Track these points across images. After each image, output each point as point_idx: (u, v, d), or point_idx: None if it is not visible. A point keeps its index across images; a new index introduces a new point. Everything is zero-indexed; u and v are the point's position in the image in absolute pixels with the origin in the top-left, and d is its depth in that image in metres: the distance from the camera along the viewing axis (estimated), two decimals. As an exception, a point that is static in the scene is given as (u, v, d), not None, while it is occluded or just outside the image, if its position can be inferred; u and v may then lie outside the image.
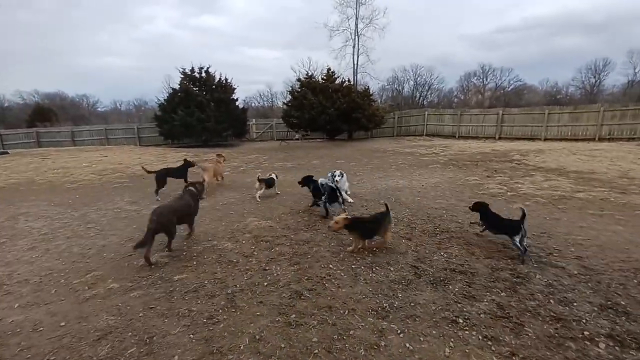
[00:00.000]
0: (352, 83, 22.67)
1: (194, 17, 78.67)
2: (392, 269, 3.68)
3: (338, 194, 5.72)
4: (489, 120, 20.91)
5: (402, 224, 5.22)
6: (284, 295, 3.17)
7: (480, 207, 4.47)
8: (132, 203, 7.08)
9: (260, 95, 50.57)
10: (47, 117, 42.45)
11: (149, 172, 7.63)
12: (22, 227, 5.55)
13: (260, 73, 77.46)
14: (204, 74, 21.04)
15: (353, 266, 3.76)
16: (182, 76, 20.87)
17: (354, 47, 24.96)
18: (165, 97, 21.43)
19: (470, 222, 5.19)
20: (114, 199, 7.52)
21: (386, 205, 4.31)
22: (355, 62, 25.26)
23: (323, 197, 5.78)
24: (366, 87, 22.21)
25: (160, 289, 3.37)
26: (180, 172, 7.92)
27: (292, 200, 6.86)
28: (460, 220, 5.34)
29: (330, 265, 3.78)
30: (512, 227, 3.96)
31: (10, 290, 3.43)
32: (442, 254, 4.09)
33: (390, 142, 20.38)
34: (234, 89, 21.98)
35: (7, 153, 16.44)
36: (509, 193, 7.05)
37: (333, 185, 5.87)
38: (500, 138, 20.10)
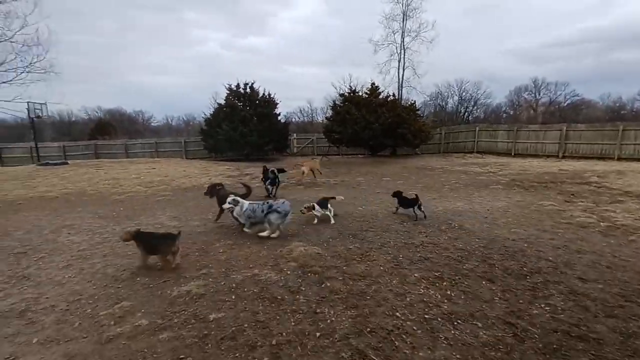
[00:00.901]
0: (396, 97, 21.88)
1: (241, 38, 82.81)
2: (479, 324, 2.84)
3: (278, 181, 9.04)
4: (550, 137, 18.98)
5: (476, 259, 4.31)
6: (343, 356, 2.46)
7: (398, 194, 6.72)
8: (173, 218, 6.81)
9: (300, 110, 51.07)
10: (106, 131, 46.13)
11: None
12: (64, 241, 5.40)
13: (301, 89, 79.09)
14: (248, 90, 21.42)
15: (426, 316, 2.97)
16: (228, 92, 21.41)
17: (399, 61, 24.23)
18: (211, 112, 22.05)
19: (392, 212, 6.78)
20: (156, 213, 7.33)
21: (179, 232, 4.27)
22: (401, 77, 24.45)
23: (267, 182, 8.91)
24: (412, 102, 21.26)
25: (193, 330, 2.82)
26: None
27: (340, 223, 6.18)
28: (551, 258, 4.32)
29: (397, 313, 3.01)
30: (413, 203, 6.29)
31: (33, 319, 3.06)
32: (542, 305, 3.16)
33: (438, 159, 19.13)
34: (277, 104, 22.12)
35: (66, 163, 17.61)
36: (602, 223, 5.82)
37: (275, 172, 8.97)
38: (564, 156, 18.08)
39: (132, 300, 3.36)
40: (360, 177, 12.82)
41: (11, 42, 13.19)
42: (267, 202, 5.37)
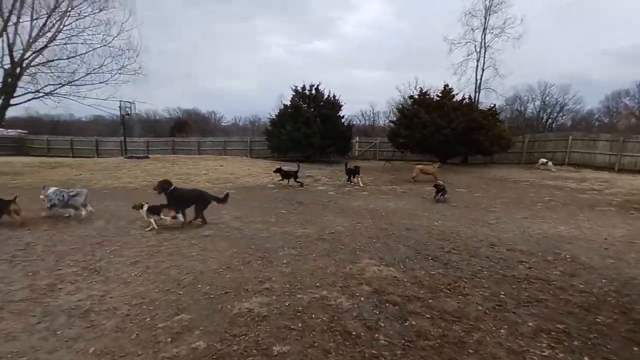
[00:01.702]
0: (473, 100, 20.00)
1: (306, 43, 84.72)
2: None
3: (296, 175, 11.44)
4: (670, 151, 15.59)
5: (611, 308, 3.25)
6: None
7: (438, 186, 9.06)
8: (236, 219, 6.67)
9: (362, 114, 50.12)
10: (183, 129, 50.32)
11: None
12: (136, 233, 5.50)
13: (363, 93, 77.82)
14: (313, 91, 21.37)
15: (562, 395, 2.13)
16: (293, 93, 21.61)
17: (477, 60, 22.21)
18: (276, 113, 22.48)
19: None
20: (221, 211, 7.26)
21: (15, 197, 5.87)
22: (479, 77, 22.40)
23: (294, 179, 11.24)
24: (491, 106, 19.20)
25: (254, 365, 2.37)
26: (354, 171, 12.07)
27: (414, 238, 5.41)
28: None
29: (518, 384, 2.22)
30: (442, 189, 8.91)
31: (95, 322, 2.90)
32: None
33: (520, 170, 16.91)
34: (341, 106, 21.72)
35: (148, 157, 19.26)
36: None
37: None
38: (689, 175, 14.67)
39: (192, 313, 3.05)
40: (429, 186, 11.70)
41: (109, 47, 14.67)
42: (70, 190, 6.60)
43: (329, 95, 21.56)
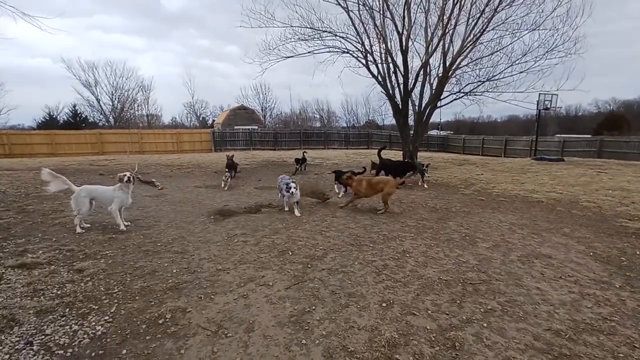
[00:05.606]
0: None
1: None
2: None
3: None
4: None
5: None
6: None
7: None
8: None
9: None
10: (616, 126, 38.77)
11: None
12: (531, 285, 3.35)
13: None
14: None
15: None
16: None
17: None
18: None
19: None
20: None
21: None
22: None
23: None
24: None
25: None
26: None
27: None
28: None
29: None
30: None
31: None
32: None
33: None
34: None
35: (562, 160, 15.54)
36: None
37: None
38: None
39: None
40: None
41: (539, 30, 12.56)
42: None
43: None
